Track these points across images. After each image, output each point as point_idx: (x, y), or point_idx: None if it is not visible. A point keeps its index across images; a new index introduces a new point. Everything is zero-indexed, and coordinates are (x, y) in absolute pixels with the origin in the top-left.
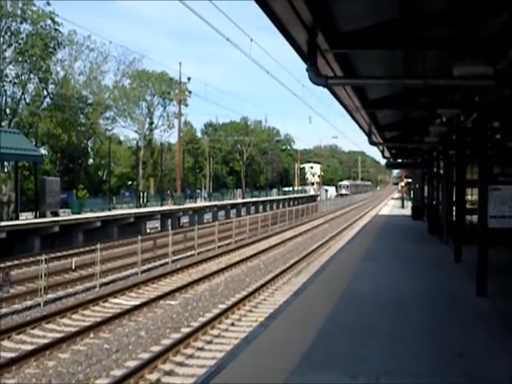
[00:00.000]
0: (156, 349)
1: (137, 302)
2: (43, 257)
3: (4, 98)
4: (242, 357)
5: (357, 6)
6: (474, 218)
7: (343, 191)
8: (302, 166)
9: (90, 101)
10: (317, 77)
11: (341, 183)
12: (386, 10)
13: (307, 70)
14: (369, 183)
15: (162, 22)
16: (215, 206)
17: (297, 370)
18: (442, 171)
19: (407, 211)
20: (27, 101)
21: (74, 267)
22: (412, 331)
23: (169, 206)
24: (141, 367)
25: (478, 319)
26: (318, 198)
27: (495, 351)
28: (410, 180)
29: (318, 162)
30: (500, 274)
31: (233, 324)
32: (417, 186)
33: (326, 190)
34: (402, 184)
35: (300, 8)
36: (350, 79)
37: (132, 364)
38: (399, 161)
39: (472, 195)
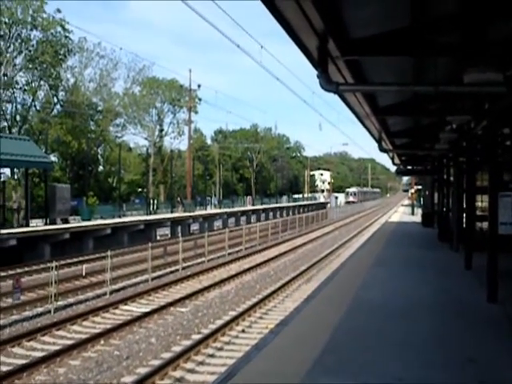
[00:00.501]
0: (167, 355)
1: (147, 309)
2: (53, 263)
3: (14, 104)
4: (253, 363)
5: (368, 13)
6: (485, 224)
7: (350, 198)
8: (311, 173)
9: (100, 108)
10: (328, 83)
11: (348, 190)
12: (397, 16)
13: (318, 77)
14: (377, 190)
15: (173, 29)
16: (225, 213)
17: (307, 376)
18: (452, 178)
19: (417, 218)
20: (37, 108)
21: (84, 274)
22: (423, 338)
23: (179, 213)
24: (151, 374)
25: (489, 325)
26: (328, 205)
27: (507, 357)
28: (419, 187)
29: (328, 169)
30: (511, 281)
31: (243, 331)
32: (427, 192)
33: (336, 197)
34: (412, 191)
35: (311, 15)
36: (360, 86)
37: (143, 371)
38: (409, 168)
39: (482, 202)
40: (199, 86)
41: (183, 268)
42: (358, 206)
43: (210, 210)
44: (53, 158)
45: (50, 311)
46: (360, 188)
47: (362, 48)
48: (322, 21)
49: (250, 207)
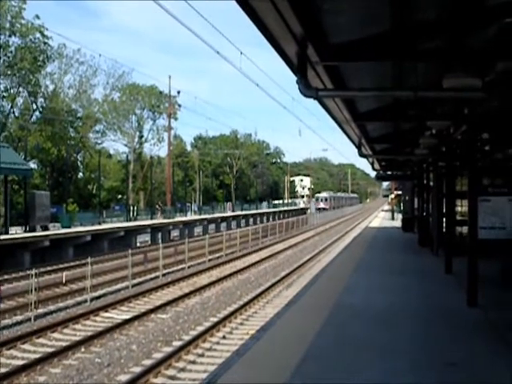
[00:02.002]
0: (148, 362)
1: (128, 316)
2: (33, 271)
3: None
4: (234, 370)
5: (347, 18)
6: (464, 229)
7: (321, 205)
8: (291, 178)
9: (79, 114)
10: (307, 89)
11: (318, 195)
12: (377, 22)
13: (297, 83)
14: (355, 195)
15: (152, 35)
16: (205, 219)
17: (289, 383)
18: (431, 183)
19: (397, 223)
20: (16, 114)
21: (64, 281)
22: (404, 343)
23: (158, 220)
24: (132, 381)
25: (469, 329)
26: (308, 210)
27: (486, 360)
28: (399, 192)
29: (308, 175)
30: (490, 285)
31: (224, 337)
32: (407, 198)
33: None
34: (392, 196)
35: (291, 21)
36: (340, 91)
37: (124, 378)
38: (389, 173)
39: (462, 206)
40: (179, 92)
41: (164, 275)
42: (338, 212)
43: (190, 217)
44: (32, 164)
45: (30, 319)
46: (333, 193)
47: (341, 53)
48: (301, 26)
49: (230, 213)
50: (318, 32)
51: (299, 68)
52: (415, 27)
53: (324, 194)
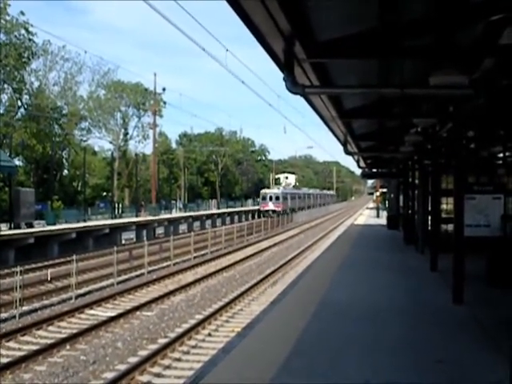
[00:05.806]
0: (133, 360)
1: (113, 313)
2: (18, 268)
3: None
4: (220, 367)
5: (334, 15)
6: (450, 226)
7: (269, 206)
8: (276, 176)
9: (64, 111)
10: (294, 86)
11: (265, 191)
12: (364, 19)
13: (284, 80)
14: (330, 192)
15: (137, 32)
16: (190, 216)
17: (275, 380)
18: (417, 181)
19: (382, 221)
20: (1, 111)
21: (49, 279)
22: (390, 340)
23: (143, 217)
24: (118, 379)
25: (454, 326)
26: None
27: (473, 357)
28: (385, 190)
29: (293, 173)
30: (475, 282)
31: (210, 334)
32: (392, 195)
33: None
34: (377, 194)
35: (278, 17)
36: (326, 88)
37: (109, 375)
38: (374, 170)
39: (447, 204)
40: (164, 89)
41: (149, 272)
42: (322, 209)
43: (175, 214)
44: (17, 161)
45: (14, 316)
46: (292, 189)
47: (327, 50)
48: (288, 23)
49: (215, 211)
50: (305, 29)
51: (286, 65)
52: (402, 25)
53: (275, 191)
